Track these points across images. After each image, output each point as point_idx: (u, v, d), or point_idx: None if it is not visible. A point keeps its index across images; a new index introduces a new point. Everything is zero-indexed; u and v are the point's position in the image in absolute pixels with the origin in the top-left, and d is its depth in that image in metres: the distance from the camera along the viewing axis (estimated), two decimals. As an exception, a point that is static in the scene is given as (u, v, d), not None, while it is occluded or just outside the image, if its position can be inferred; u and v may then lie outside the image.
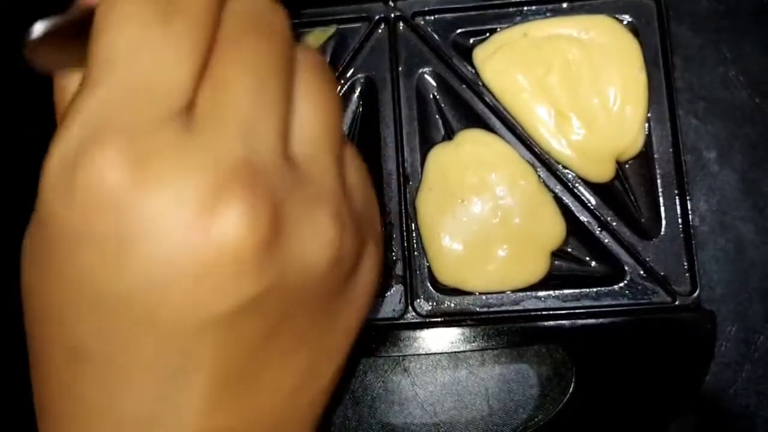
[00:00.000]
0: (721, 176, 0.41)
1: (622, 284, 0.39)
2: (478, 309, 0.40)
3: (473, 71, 0.42)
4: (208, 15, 0.20)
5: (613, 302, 0.39)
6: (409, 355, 0.40)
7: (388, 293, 0.40)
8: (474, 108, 0.42)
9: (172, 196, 0.19)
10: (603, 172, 0.40)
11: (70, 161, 0.19)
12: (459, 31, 0.42)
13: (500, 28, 0.42)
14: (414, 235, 0.41)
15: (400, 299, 0.40)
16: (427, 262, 0.40)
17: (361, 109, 0.43)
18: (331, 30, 0.42)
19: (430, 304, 0.40)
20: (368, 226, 0.25)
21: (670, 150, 0.40)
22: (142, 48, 0.19)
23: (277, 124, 0.21)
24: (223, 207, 0.19)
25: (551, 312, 0.39)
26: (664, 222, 0.40)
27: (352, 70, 0.43)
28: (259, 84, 0.21)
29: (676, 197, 0.40)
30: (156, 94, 0.19)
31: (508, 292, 0.40)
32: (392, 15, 0.43)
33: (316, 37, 0.41)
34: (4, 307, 0.43)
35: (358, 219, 0.24)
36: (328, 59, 0.43)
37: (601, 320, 0.38)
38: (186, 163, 0.19)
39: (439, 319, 0.40)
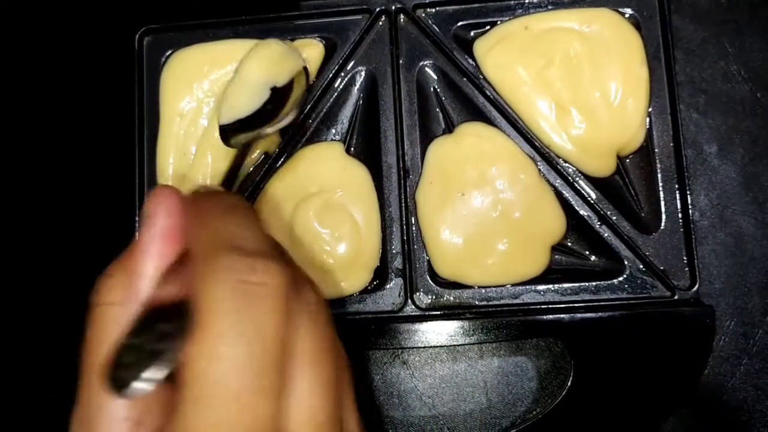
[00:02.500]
0: (722, 170, 0.41)
1: (621, 278, 0.39)
2: (477, 302, 0.40)
3: (474, 64, 0.42)
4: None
5: (613, 296, 0.39)
6: (409, 347, 0.40)
7: (388, 286, 0.40)
8: (474, 101, 0.41)
9: None
10: (604, 167, 0.40)
11: None
12: (460, 23, 0.42)
13: (501, 20, 0.42)
14: (414, 228, 0.41)
15: (400, 292, 0.40)
16: (427, 255, 0.40)
17: (361, 102, 0.43)
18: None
19: (430, 297, 0.40)
20: None
21: (671, 144, 0.40)
22: None
23: None
24: None
25: (550, 306, 0.39)
26: (664, 216, 0.39)
27: (352, 63, 0.42)
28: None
29: (677, 191, 0.40)
30: None
31: (508, 286, 0.40)
32: (393, 7, 0.42)
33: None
34: (4, 307, 0.43)
35: None
36: (329, 53, 0.43)
37: (600, 314, 0.38)
38: None
39: (438, 313, 0.40)
